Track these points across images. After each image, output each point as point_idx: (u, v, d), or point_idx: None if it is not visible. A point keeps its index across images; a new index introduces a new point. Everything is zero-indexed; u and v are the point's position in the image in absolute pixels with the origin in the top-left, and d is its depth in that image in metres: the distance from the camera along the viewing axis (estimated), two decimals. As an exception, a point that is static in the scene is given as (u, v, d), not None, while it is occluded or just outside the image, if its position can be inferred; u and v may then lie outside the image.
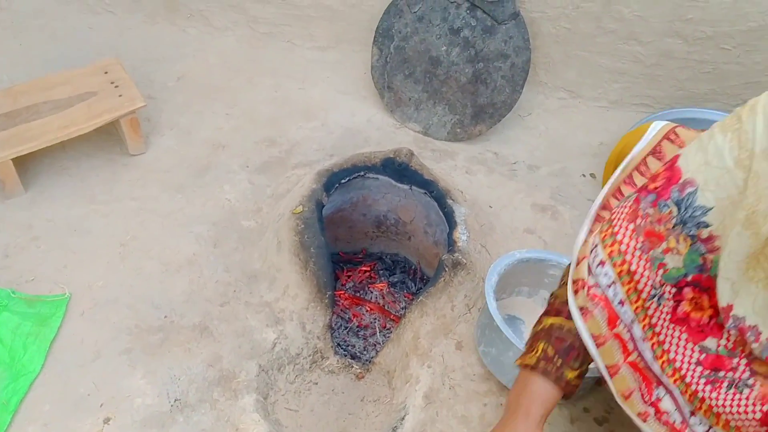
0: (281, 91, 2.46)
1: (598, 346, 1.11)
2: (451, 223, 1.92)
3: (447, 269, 1.78)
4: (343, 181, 2.02)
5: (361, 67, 2.53)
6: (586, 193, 2.22)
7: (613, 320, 1.09)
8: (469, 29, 2.28)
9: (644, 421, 1.13)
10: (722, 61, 2.27)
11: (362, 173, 2.05)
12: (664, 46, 2.29)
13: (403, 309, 2.13)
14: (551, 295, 1.27)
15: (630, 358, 1.11)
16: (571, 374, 1.15)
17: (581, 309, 1.11)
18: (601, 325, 1.09)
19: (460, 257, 1.80)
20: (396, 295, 2.19)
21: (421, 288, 2.18)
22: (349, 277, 2.23)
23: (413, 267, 2.27)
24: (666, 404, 1.12)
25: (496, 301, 1.62)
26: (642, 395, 1.13)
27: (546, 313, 1.24)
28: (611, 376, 1.13)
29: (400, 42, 2.34)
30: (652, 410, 1.12)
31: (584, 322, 1.11)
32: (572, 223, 2.10)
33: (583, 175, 2.29)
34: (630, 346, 1.10)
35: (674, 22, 2.22)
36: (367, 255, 2.33)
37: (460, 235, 1.87)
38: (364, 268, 2.26)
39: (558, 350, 1.16)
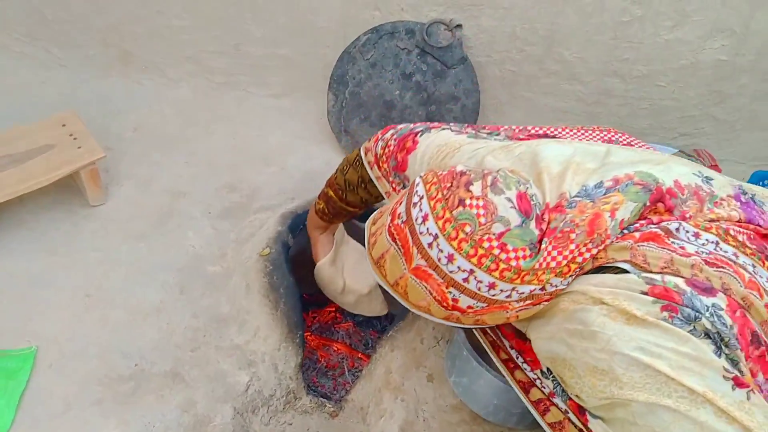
0: (239, 139, 2.50)
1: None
2: (416, 258, 1.98)
3: (415, 303, 1.83)
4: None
5: (316, 113, 2.59)
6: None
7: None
8: (421, 74, 2.38)
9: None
10: (658, 98, 2.43)
11: (325, 214, 2.09)
12: (604, 85, 2.44)
13: (370, 347, 2.15)
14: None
15: (414, 263, 1.09)
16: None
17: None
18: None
19: (427, 291, 1.85)
20: (362, 334, 2.21)
21: (387, 325, 2.21)
22: (314, 318, 2.24)
23: (378, 306, 2.30)
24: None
25: (464, 332, 1.66)
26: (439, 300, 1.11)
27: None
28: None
29: (355, 87, 2.42)
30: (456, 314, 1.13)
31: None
32: (529, 255, 2.18)
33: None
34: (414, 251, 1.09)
35: (612, 62, 2.37)
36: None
37: (426, 270, 1.92)
38: (329, 309, 2.28)
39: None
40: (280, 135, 2.54)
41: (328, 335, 2.18)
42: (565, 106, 2.52)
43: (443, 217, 1.03)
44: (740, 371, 0.93)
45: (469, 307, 1.07)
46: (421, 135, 1.42)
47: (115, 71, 2.66)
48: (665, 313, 0.96)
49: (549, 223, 1.05)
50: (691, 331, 0.94)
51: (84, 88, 2.62)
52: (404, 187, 1.43)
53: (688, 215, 1.11)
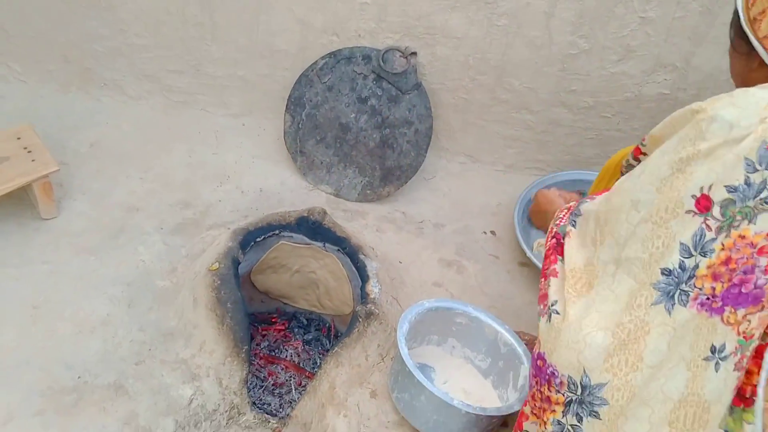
0: (195, 156, 2.53)
1: None
2: (364, 276, 2.02)
3: (361, 320, 1.87)
4: (258, 239, 2.09)
5: (273, 133, 2.63)
6: (487, 249, 2.38)
7: None
8: (376, 98, 2.44)
9: None
10: (604, 128, 2.52)
11: (277, 231, 2.13)
12: (552, 114, 2.53)
13: (318, 366, 2.18)
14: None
15: None
16: None
17: None
18: None
19: (373, 308, 1.89)
20: (311, 353, 2.24)
21: (335, 345, 2.24)
22: (263, 336, 2.26)
23: (327, 325, 2.33)
24: None
25: (407, 349, 1.70)
26: None
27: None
28: None
29: (312, 110, 2.48)
30: None
31: None
32: (476, 276, 2.24)
33: (484, 233, 2.46)
34: None
35: (560, 93, 2.47)
36: (282, 314, 2.38)
37: (373, 288, 1.97)
38: (279, 327, 2.30)
39: None
40: (237, 154, 2.57)
41: (276, 354, 2.20)
42: (515, 134, 2.60)
43: None
44: None
45: None
46: None
47: (74, 87, 2.67)
48: None
49: None
50: None
51: (43, 103, 2.63)
52: None
53: None
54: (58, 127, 2.52)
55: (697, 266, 1.11)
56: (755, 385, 1.15)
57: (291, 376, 2.12)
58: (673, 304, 1.12)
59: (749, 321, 1.11)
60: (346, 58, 2.44)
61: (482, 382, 1.92)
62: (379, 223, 2.40)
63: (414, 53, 2.41)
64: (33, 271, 1.99)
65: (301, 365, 2.17)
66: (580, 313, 1.21)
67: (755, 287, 1.10)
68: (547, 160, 2.65)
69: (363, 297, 1.96)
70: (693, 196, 1.10)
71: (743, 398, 1.15)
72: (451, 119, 2.59)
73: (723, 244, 1.09)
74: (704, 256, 1.10)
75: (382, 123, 2.46)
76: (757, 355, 1.14)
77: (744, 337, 1.11)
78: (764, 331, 1.13)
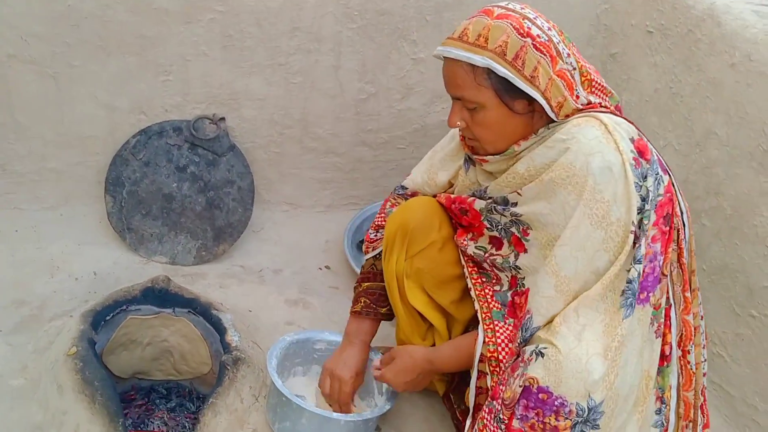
0: (18, 255, 2.47)
1: None
2: (221, 329, 2.12)
3: (229, 367, 1.97)
4: (107, 318, 2.12)
5: (96, 217, 2.64)
6: (326, 282, 2.60)
7: None
8: (195, 165, 2.58)
9: None
10: (401, 158, 2.87)
11: (124, 307, 2.16)
12: (356, 154, 2.83)
13: (189, 429, 2.22)
14: (362, 266, 2.00)
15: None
16: (382, 310, 1.91)
17: None
18: None
19: (239, 354, 2.01)
20: (178, 419, 2.27)
21: (200, 406, 2.29)
22: (126, 415, 2.26)
23: (187, 389, 2.38)
24: None
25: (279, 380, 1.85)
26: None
27: (363, 280, 1.95)
28: None
29: (132, 186, 2.55)
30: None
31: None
32: (322, 308, 2.44)
33: (320, 269, 2.67)
34: None
35: (359, 134, 2.77)
36: (139, 389, 2.38)
37: (233, 337, 2.08)
38: (140, 404, 2.31)
39: (372, 300, 1.91)
40: (62, 244, 2.55)
41: (143, 428, 2.21)
42: (328, 177, 2.86)
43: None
44: None
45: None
46: None
47: None
48: None
49: None
50: None
51: None
52: None
53: None
54: None
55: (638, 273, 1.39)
56: (670, 344, 1.47)
57: (166, 443, 2.15)
58: (631, 311, 1.39)
59: (656, 295, 1.43)
60: (157, 133, 2.55)
61: (350, 398, 2.10)
62: (221, 280, 2.51)
63: (222, 118, 2.59)
64: None
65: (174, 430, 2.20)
66: (571, 344, 1.35)
67: (661, 274, 1.44)
68: (360, 195, 2.94)
69: (225, 347, 2.07)
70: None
71: (664, 357, 1.46)
72: (268, 173, 2.79)
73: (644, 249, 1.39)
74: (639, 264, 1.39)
75: (205, 187, 2.59)
76: (666, 316, 1.47)
77: (655, 308, 1.43)
78: (666, 297, 1.47)
